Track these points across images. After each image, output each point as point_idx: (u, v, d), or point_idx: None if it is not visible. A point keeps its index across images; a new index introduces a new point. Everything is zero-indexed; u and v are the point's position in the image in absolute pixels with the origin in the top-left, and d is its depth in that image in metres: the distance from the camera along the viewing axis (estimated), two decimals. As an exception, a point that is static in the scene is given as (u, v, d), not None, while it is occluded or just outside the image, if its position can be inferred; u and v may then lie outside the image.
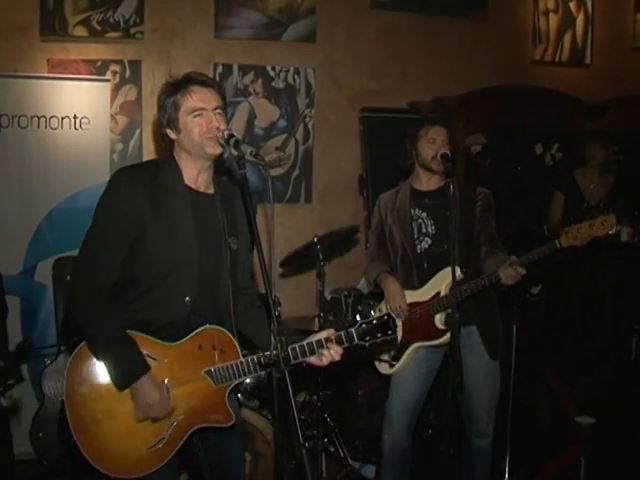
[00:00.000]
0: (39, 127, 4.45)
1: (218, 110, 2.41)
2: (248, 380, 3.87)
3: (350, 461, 4.18)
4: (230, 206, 2.57)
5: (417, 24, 5.50)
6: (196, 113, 2.39)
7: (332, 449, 4.17)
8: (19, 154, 4.43)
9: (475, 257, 3.36)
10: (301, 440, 1.97)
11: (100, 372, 2.35)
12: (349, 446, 4.30)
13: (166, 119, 2.45)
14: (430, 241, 3.40)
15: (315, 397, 4.14)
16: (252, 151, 2.22)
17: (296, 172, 5.22)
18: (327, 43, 5.28)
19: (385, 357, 3.47)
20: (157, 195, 2.40)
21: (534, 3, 5.90)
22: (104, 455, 2.33)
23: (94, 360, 2.35)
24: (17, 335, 4.33)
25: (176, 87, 2.43)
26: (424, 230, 3.41)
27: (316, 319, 4.20)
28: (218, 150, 2.40)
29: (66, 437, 2.34)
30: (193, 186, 2.49)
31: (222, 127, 2.38)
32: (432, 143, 3.33)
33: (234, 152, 2.28)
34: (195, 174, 2.49)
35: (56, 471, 3.99)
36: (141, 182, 2.39)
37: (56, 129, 4.48)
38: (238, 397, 2.63)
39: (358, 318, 2.72)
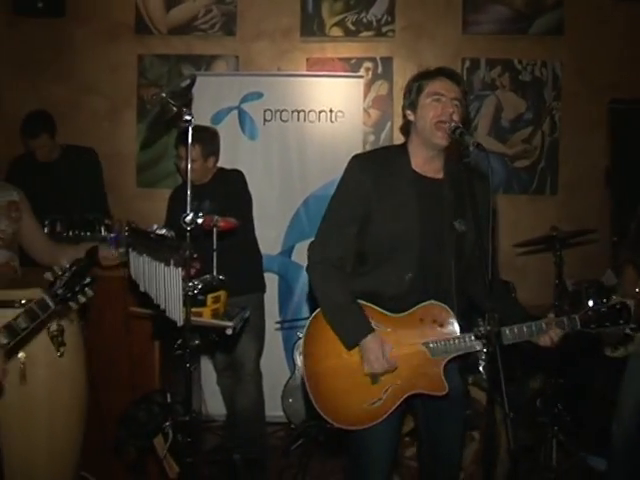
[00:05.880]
0: (298, 120, 4.85)
1: (456, 101, 2.52)
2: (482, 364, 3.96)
3: (581, 453, 4.11)
4: (463, 190, 2.61)
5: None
6: (435, 97, 2.52)
7: (562, 438, 4.10)
8: (280, 145, 4.85)
9: None
10: (507, 410, 2.07)
11: (330, 334, 2.56)
12: (580, 437, 4.21)
13: (408, 101, 2.61)
14: None
15: (548, 385, 4.15)
16: (474, 142, 2.34)
17: (542, 164, 5.20)
18: (574, 36, 5.19)
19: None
20: (384, 179, 2.56)
21: None
22: (331, 406, 2.55)
23: (325, 323, 2.57)
24: (274, 309, 4.75)
25: (425, 74, 2.60)
26: None
27: (552, 309, 4.17)
28: (445, 142, 2.51)
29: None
30: (420, 171, 2.61)
31: (455, 117, 2.49)
32: None
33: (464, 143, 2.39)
34: (423, 160, 2.61)
35: (303, 434, 4.35)
36: (370, 166, 2.59)
37: (313, 122, 4.85)
38: (464, 373, 2.72)
39: (590, 303, 2.69)
